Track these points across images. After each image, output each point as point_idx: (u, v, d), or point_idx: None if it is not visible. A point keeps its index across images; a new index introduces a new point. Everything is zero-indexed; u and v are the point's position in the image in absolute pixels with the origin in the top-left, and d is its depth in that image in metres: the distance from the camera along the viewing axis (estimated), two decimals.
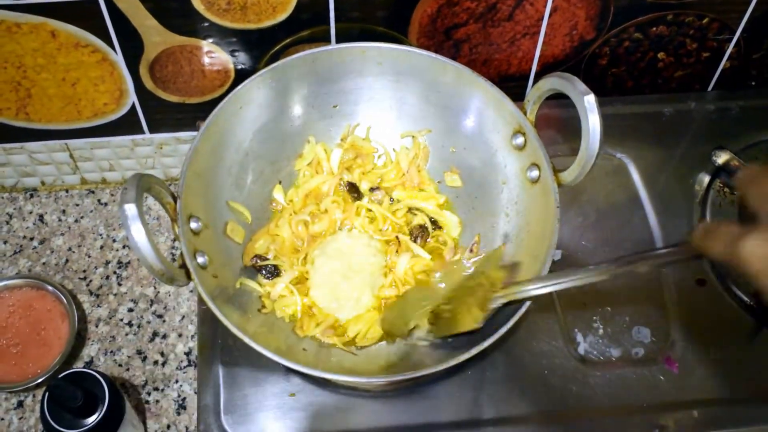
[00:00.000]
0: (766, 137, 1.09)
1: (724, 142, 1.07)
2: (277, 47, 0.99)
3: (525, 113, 0.89)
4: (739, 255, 0.59)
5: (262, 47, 0.98)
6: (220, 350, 0.91)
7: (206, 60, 0.99)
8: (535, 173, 0.88)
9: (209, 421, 0.86)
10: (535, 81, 1.08)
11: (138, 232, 0.70)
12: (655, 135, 1.10)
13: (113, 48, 0.96)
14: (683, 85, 1.14)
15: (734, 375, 0.92)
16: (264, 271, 0.92)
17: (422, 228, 0.96)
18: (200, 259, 0.81)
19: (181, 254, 0.80)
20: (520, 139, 0.89)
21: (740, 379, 0.91)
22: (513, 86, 1.09)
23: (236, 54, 0.99)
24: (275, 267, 0.92)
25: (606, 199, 1.04)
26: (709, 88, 1.16)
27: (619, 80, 1.13)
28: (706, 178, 1.05)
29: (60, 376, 0.84)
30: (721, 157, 1.05)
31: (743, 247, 0.59)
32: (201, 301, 0.93)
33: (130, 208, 0.70)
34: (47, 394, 0.83)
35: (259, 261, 0.92)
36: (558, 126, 1.05)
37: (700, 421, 0.88)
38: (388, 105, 0.98)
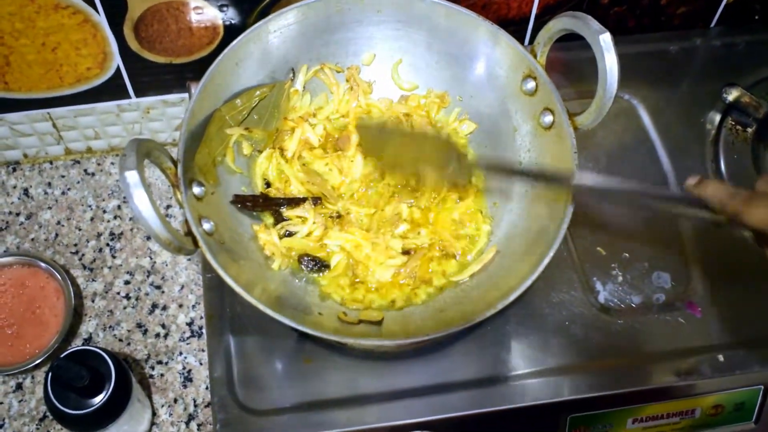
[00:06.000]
0: None
1: (733, 79, 1.04)
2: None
3: (535, 56, 0.85)
4: (747, 217, 0.66)
5: (252, 0, 0.94)
6: (228, 319, 0.87)
7: (194, 17, 0.95)
8: (548, 118, 0.85)
9: (223, 393, 0.83)
10: (536, 24, 1.05)
11: (141, 200, 0.66)
12: (662, 74, 1.07)
13: (95, 8, 0.91)
14: (685, 22, 1.11)
15: (758, 316, 0.90)
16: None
17: None
18: (206, 225, 0.78)
19: (186, 221, 0.76)
20: (531, 84, 0.86)
21: (765, 320, 0.90)
22: (513, 30, 1.04)
23: (225, 9, 0.94)
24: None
25: (616, 143, 1.01)
26: (712, 25, 1.13)
27: (621, 19, 1.09)
28: (717, 117, 1.02)
29: (63, 354, 0.81)
30: (732, 94, 1.02)
31: (751, 209, 0.66)
32: (206, 269, 0.90)
33: (132, 176, 0.66)
34: (50, 374, 0.81)
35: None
36: (562, 69, 1.01)
37: (725, 363, 0.86)
38: (390, 55, 0.94)
